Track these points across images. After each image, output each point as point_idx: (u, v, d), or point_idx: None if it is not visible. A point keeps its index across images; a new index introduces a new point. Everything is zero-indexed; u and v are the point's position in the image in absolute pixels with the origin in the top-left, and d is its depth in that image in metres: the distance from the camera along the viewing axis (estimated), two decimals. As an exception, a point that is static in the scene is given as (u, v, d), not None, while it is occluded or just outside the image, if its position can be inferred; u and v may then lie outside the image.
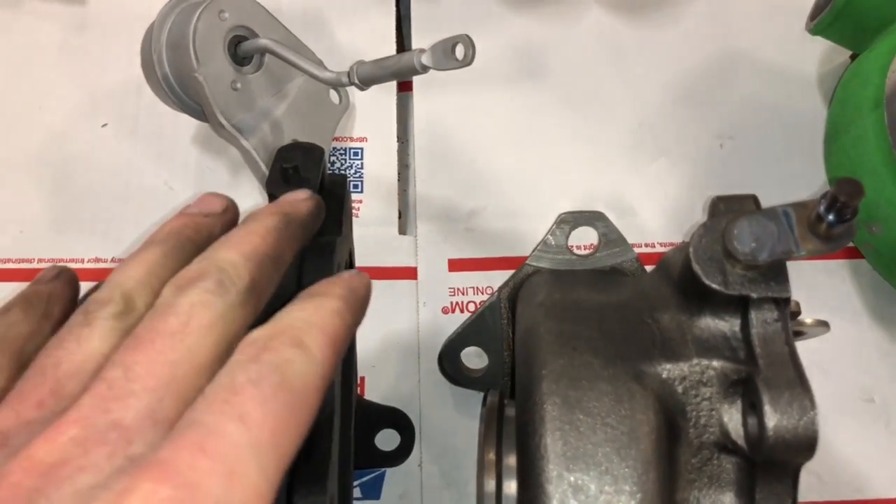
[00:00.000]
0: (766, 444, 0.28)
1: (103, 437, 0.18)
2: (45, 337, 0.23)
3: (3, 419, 0.19)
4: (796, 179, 0.53)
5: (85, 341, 0.21)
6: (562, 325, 0.34)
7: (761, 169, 0.54)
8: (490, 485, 0.33)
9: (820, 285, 0.51)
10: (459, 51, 0.40)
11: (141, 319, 0.21)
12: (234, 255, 0.23)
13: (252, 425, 0.18)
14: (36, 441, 0.18)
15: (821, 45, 0.55)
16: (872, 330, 0.50)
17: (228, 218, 0.28)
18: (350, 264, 0.41)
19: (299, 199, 0.28)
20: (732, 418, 0.31)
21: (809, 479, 0.46)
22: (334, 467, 0.29)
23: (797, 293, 0.50)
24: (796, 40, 0.56)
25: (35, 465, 0.18)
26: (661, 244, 0.52)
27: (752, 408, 0.30)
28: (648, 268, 0.43)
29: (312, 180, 0.34)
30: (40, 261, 0.49)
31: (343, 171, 0.54)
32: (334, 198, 0.36)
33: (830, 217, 0.28)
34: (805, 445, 0.28)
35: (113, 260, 0.50)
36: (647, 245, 0.52)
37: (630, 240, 0.51)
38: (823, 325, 0.36)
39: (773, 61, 0.57)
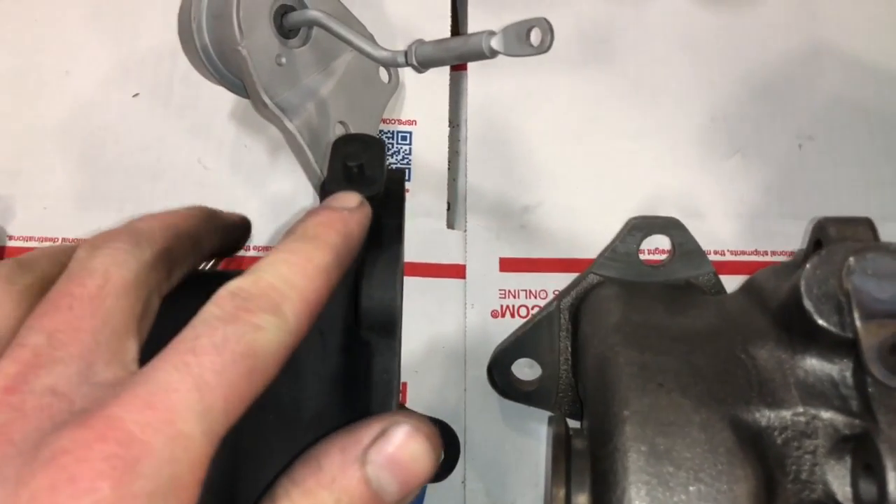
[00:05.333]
0: (886, 514, 0.25)
1: (40, 402, 0.18)
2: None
3: None
4: (883, 188, 0.49)
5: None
6: (644, 356, 0.30)
7: (844, 174, 0.50)
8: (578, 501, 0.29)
9: None
10: (535, 36, 0.36)
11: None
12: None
13: (206, 391, 0.18)
14: None
15: (918, 39, 0.50)
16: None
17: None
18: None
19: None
20: (838, 477, 0.27)
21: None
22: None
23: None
24: (889, 30, 0.51)
25: None
26: (731, 252, 0.48)
27: (867, 469, 0.26)
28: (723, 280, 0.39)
29: (378, 180, 0.30)
30: (64, 240, 0.46)
31: (390, 156, 0.50)
32: (394, 199, 0.33)
33: None
34: (930, 519, 0.24)
35: (142, 242, 0.46)
36: (716, 252, 0.48)
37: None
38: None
39: (863, 53, 0.52)
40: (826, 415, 0.28)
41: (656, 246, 0.42)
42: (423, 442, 0.21)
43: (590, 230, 0.47)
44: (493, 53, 0.37)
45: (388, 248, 0.29)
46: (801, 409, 0.28)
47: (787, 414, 0.28)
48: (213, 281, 0.23)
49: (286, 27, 0.44)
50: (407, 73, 0.51)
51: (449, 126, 0.51)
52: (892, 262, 0.27)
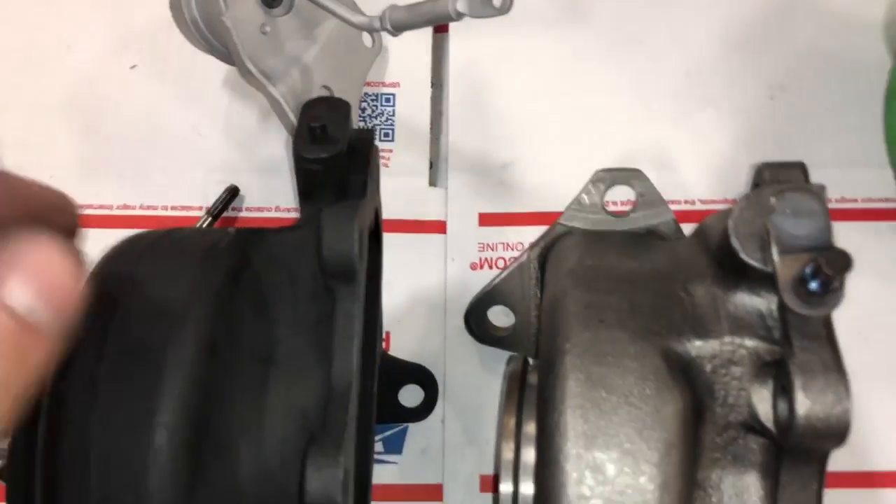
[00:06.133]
0: (795, 431, 0.27)
1: None
2: None
3: None
4: (853, 137, 0.50)
5: None
6: (590, 296, 0.33)
7: (815, 124, 0.51)
8: (508, 452, 0.32)
9: (867, 247, 0.49)
10: (495, -2, 0.38)
11: None
12: None
13: None
14: None
15: (888, -12, 0.51)
16: (921, 296, 0.47)
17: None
18: (376, 223, 0.40)
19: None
20: (762, 399, 0.30)
21: (842, 449, 0.45)
22: (350, 441, 0.29)
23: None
24: (861, -19, 0.52)
25: None
26: (702, 202, 0.50)
27: (784, 391, 0.28)
28: (688, 228, 0.41)
29: (342, 140, 0.33)
30: (71, 206, 0.49)
31: (374, 118, 0.52)
32: (360, 156, 0.35)
33: (814, 285, 0.26)
34: (836, 434, 0.27)
35: (141, 206, 0.50)
36: (687, 202, 0.50)
37: (670, 197, 0.49)
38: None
39: (834, 4, 0.53)
40: (751, 343, 0.30)
41: (626, 198, 0.44)
42: (55, 250, 0.19)
43: (565, 184, 0.49)
44: (459, 16, 0.39)
45: (348, 202, 0.31)
46: (728, 339, 0.30)
47: (715, 343, 0.30)
48: None
49: (269, -3, 0.46)
50: (391, 37, 0.53)
51: (431, 87, 0.53)
52: (810, 201, 0.29)
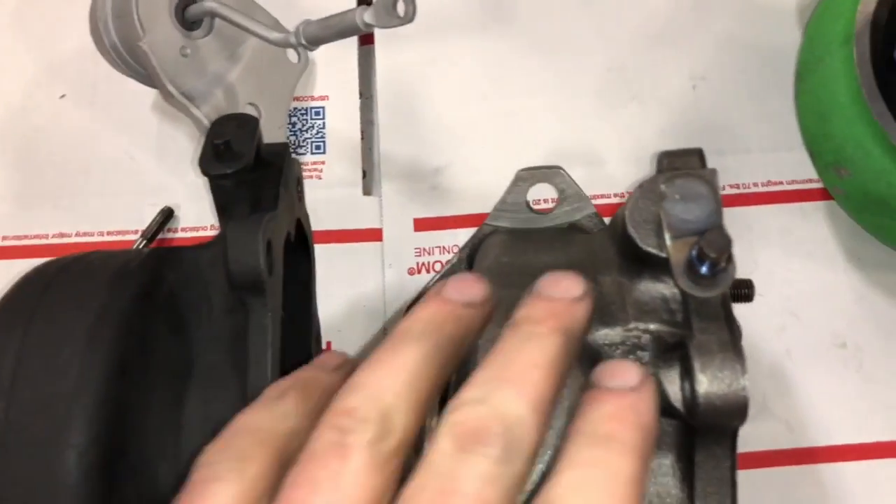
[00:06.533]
0: (698, 410, 0.28)
1: None
2: (306, 436, 0.21)
3: None
4: (775, 121, 0.51)
5: (343, 481, 0.19)
6: (503, 291, 0.33)
7: (735, 110, 0.52)
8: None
9: (795, 228, 0.50)
10: (400, 7, 0.38)
11: (400, 447, 0.19)
12: (522, 406, 0.20)
13: None
14: None
15: (800, -26, 0.52)
16: (847, 273, 0.48)
17: (489, 309, 0.24)
18: (301, 236, 0.40)
19: (576, 301, 0.23)
20: (671, 382, 0.30)
21: (778, 427, 0.46)
22: None
23: (771, 235, 0.50)
24: (775, -32, 0.53)
25: None
26: (631, 194, 0.50)
27: (687, 373, 0.29)
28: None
29: (247, 155, 0.34)
30: (5, 238, 0.49)
31: (305, 132, 0.53)
32: (272, 169, 0.36)
33: (704, 269, 0.27)
34: (736, 411, 0.28)
35: (77, 234, 0.50)
36: (616, 195, 0.51)
37: (600, 191, 0.51)
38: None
39: (750, -7, 0.54)
40: (655, 328, 0.31)
41: (553, 195, 0.44)
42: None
43: (497, 185, 0.50)
44: (368, 27, 0.40)
45: (255, 215, 0.32)
46: (632, 325, 0.31)
47: (620, 330, 0.31)
48: None
49: (189, 19, 0.47)
50: (319, 51, 0.53)
51: (360, 98, 0.54)
52: (699, 185, 0.30)
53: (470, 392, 0.20)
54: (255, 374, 0.30)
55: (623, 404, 0.21)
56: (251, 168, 0.33)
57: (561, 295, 0.23)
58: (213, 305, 0.33)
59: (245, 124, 0.35)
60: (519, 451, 0.19)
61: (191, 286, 0.33)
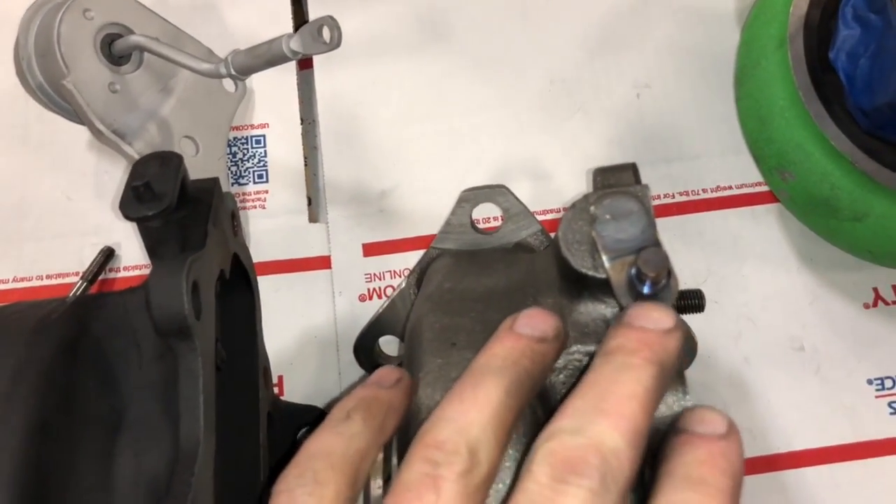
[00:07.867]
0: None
1: None
2: (376, 452, 0.23)
3: None
4: (720, 126, 0.51)
5: None
6: (444, 319, 0.33)
7: (680, 117, 0.52)
8: (376, 489, 0.32)
9: (747, 232, 0.50)
10: (326, 33, 0.38)
11: (487, 479, 0.20)
12: (617, 437, 0.20)
13: None
14: None
15: (736, -22, 0.52)
16: (801, 275, 0.48)
17: (560, 344, 0.25)
18: (240, 271, 0.39)
19: (668, 333, 0.23)
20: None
21: (743, 435, 0.45)
22: (201, 501, 0.28)
23: (723, 241, 0.49)
24: (711, -26, 0.53)
25: None
26: (563, 215, 0.50)
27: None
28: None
29: (169, 195, 0.32)
30: (-58, 286, 0.48)
31: (246, 161, 0.51)
32: (201, 206, 0.35)
33: (645, 289, 0.27)
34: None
35: (14, 279, 0.48)
36: (564, 209, 0.50)
37: (548, 205, 0.50)
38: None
39: (689, -1, 0.54)
40: (595, 349, 0.30)
41: (498, 215, 0.44)
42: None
43: (444, 206, 0.49)
44: (295, 54, 0.39)
45: (180, 256, 0.31)
46: (573, 349, 0.30)
47: (563, 354, 0.30)
48: None
49: (115, 54, 0.46)
50: (257, 78, 0.52)
51: (302, 124, 0.53)
52: (628, 202, 0.29)
53: (565, 421, 0.21)
54: (186, 422, 0.29)
55: (714, 450, 0.22)
56: (175, 208, 0.32)
57: (653, 326, 0.23)
58: (143, 352, 0.31)
59: (167, 162, 0.33)
60: (615, 482, 0.19)
61: (118, 333, 0.31)
